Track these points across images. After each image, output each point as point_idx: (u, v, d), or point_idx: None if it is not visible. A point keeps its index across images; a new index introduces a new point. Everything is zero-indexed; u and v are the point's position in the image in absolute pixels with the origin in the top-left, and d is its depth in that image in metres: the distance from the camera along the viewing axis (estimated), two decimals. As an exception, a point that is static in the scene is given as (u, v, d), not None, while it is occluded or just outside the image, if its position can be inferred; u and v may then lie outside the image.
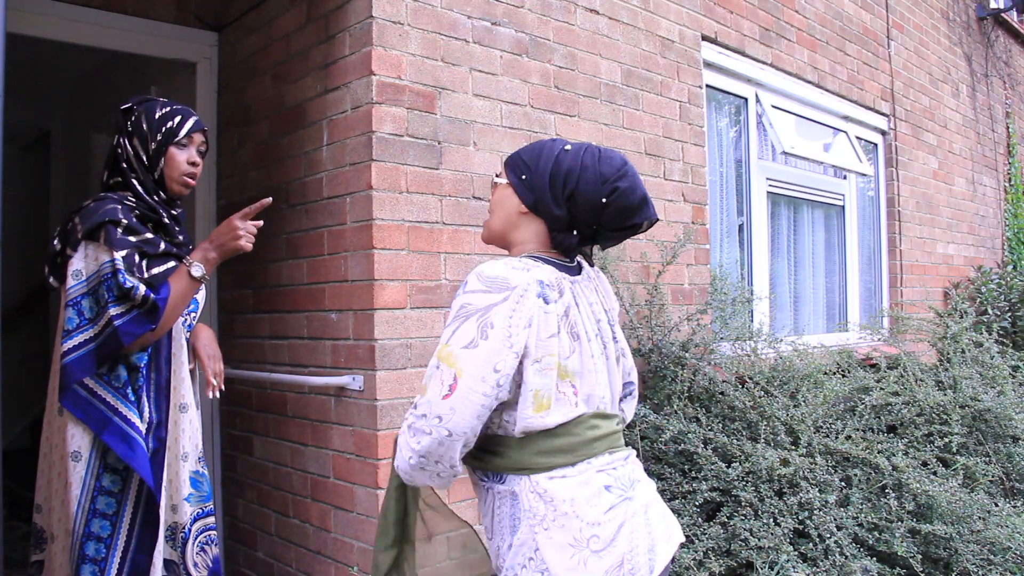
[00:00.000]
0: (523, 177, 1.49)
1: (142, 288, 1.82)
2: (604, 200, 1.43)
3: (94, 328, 1.82)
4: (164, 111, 2.01)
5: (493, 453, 1.42)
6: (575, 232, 1.47)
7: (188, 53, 3.13)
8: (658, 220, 1.54)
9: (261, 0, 2.90)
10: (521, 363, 1.35)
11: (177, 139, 2.00)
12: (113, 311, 1.80)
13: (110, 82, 4.09)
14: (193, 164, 2.03)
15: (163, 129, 1.99)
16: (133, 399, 1.88)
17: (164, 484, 1.94)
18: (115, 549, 1.87)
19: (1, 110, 1.51)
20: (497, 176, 1.57)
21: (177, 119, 2.01)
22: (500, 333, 1.32)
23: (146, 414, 1.90)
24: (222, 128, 3.16)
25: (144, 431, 1.87)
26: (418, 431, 1.32)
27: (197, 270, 1.94)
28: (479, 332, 1.32)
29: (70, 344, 1.82)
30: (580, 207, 1.44)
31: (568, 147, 1.48)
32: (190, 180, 2.04)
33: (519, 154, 1.53)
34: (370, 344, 2.37)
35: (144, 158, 2.00)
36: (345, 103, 2.48)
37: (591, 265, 1.58)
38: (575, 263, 1.53)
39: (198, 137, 2.05)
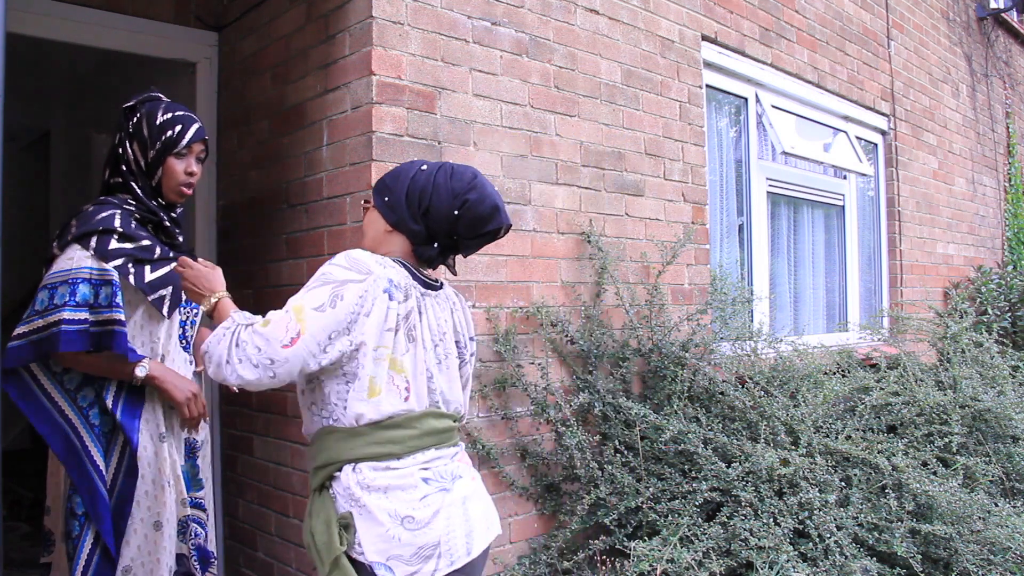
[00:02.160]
0: (386, 199, 1.67)
1: (116, 315, 1.83)
2: (456, 212, 1.61)
3: (40, 321, 1.83)
4: (165, 117, 2.00)
5: (327, 446, 1.57)
6: (435, 244, 1.65)
7: (188, 53, 3.13)
8: (511, 225, 1.70)
9: (261, 0, 2.90)
10: (359, 350, 1.52)
11: (176, 150, 1.99)
12: (67, 314, 1.80)
13: (110, 82, 4.09)
14: (190, 174, 2.03)
15: (163, 138, 1.98)
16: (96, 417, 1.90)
17: (170, 479, 1.95)
18: (80, 552, 1.87)
19: (1, 110, 1.51)
20: (365, 202, 1.75)
21: (177, 128, 2.00)
22: (346, 307, 1.49)
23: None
24: (222, 128, 3.16)
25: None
26: (247, 359, 1.46)
27: (141, 371, 1.89)
28: (330, 300, 1.49)
29: (18, 331, 1.85)
30: (435, 220, 1.62)
31: (424, 167, 1.67)
32: (186, 189, 2.04)
33: (383, 178, 1.71)
34: (370, 344, 2.36)
35: (143, 164, 2.00)
36: (345, 103, 2.49)
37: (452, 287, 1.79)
38: (437, 282, 1.71)
39: (197, 147, 2.05)
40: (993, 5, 6.37)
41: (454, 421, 1.70)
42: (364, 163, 2.40)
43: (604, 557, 2.56)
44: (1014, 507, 2.77)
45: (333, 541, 1.52)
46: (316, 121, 2.62)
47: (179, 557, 1.99)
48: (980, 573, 2.58)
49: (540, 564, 2.62)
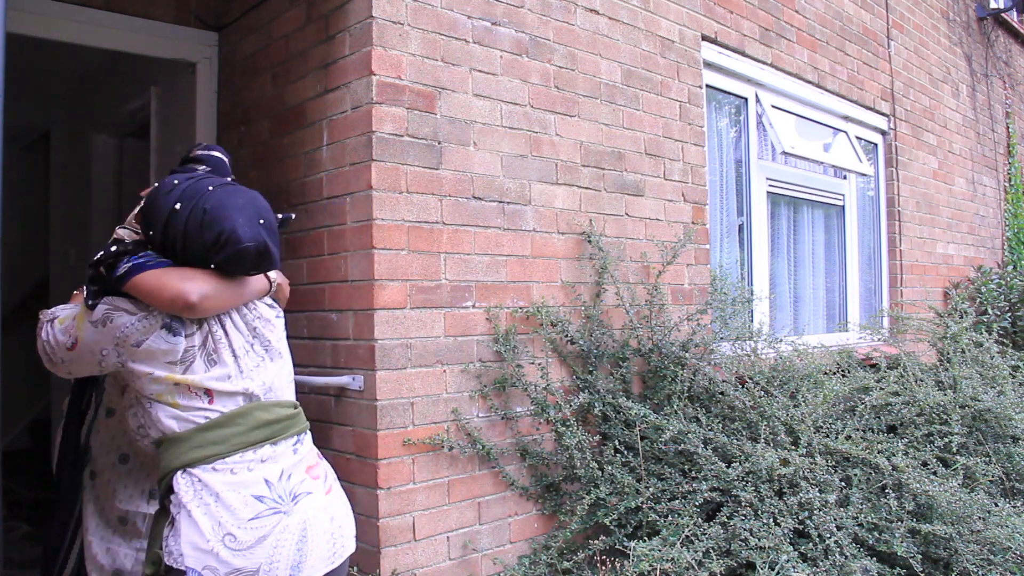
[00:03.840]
0: (151, 232, 1.70)
1: None
2: (213, 267, 1.66)
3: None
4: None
5: (160, 458, 1.65)
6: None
7: (188, 53, 3.13)
8: (279, 266, 1.84)
9: (261, 0, 2.90)
10: (142, 375, 1.63)
11: None
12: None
13: (110, 82, 4.09)
14: None
15: None
16: None
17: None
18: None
19: (1, 110, 1.51)
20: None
21: None
22: (113, 330, 1.62)
23: None
24: (222, 128, 3.16)
25: None
26: (53, 347, 1.68)
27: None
28: (105, 317, 1.62)
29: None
30: (197, 263, 1.67)
31: (177, 205, 1.66)
32: None
33: (142, 209, 1.76)
34: (370, 344, 2.37)
35: None
36: (345, 103, 2.49)
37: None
38: None
39: None
40: (993, 5, 6.37)
41: (286, 411, 1.74)
42: (364, 163, 2.40)
43: (604, 557, 2.56)
44: (1014, 507, 2.77)
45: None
46: (316, 121, 2.62)
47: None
48: (980, 573, 2.58)
49: (540, 564, 2.62)
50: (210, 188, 1.68)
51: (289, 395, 1.81)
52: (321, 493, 1.71)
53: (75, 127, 4.69)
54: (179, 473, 1.59)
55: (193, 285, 1.61)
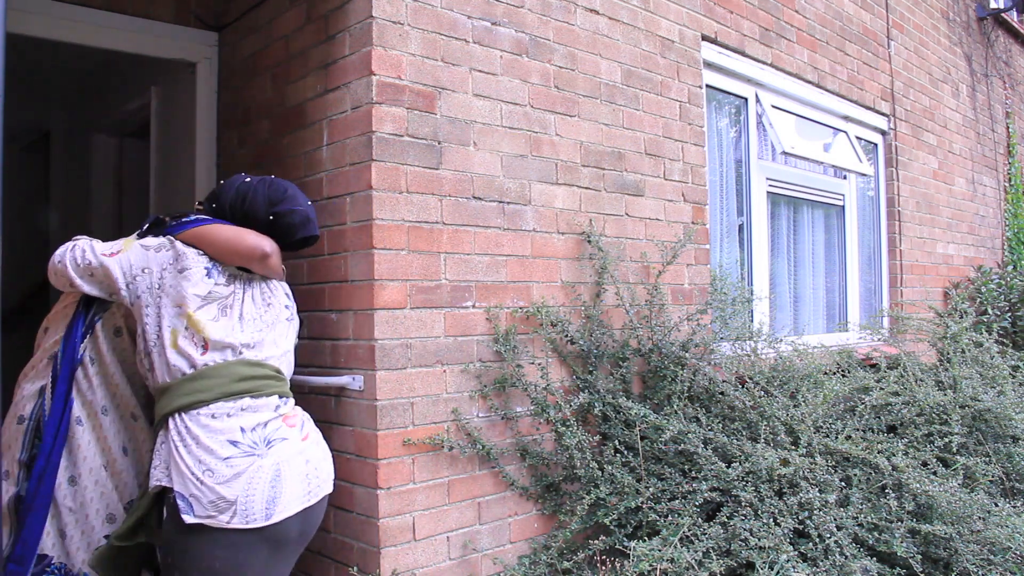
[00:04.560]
0: (213, 206, 2.09)
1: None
2: (271, 218, 2.02)
3: None
4: None
5: (156, 403, 1.92)
6: None
7: (188, 53, 3.13)
8: (318, 236, 2.16)
9: (261, 0, 2.90)
10: (164, 309, 1.91)
11: None
12: None
13: (110, 82, 4.09)
14: None
15: None
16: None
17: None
18: None
19: (1, 110, 1.51)
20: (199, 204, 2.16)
21: None
22: (166, 257, 1.95)
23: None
24: (222, 128, 3.16)
25: None
26: (84, 250, 1.96)
27: None
28: (160, 245, 1.97)
29: None
30: (252, 224, 2.03)
31: (248, 179, 2.09)
32: None
33: (214, 189, 2.14)
34: (370, 344, 2.37)
35: None
36: (345, 103, 2.49)
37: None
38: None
39: None
40: (993, 5, 6.37)
41: (269, 372, 1.98)
42: (364, 163, 2.40)
43: (604, 557, 2.56)
44: (1014, 507, 2.77)
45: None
46: (316, 121, 2.62)
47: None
48: (980, 573, 2.58)
49: (540, 564, 2.62)
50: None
51: (281, 368, 2.04)
52: (297, 439, 1.95)
53: (75, 127, 4.69)
54: (169, 418, 1.86)
55: (267, 241, 2.00)
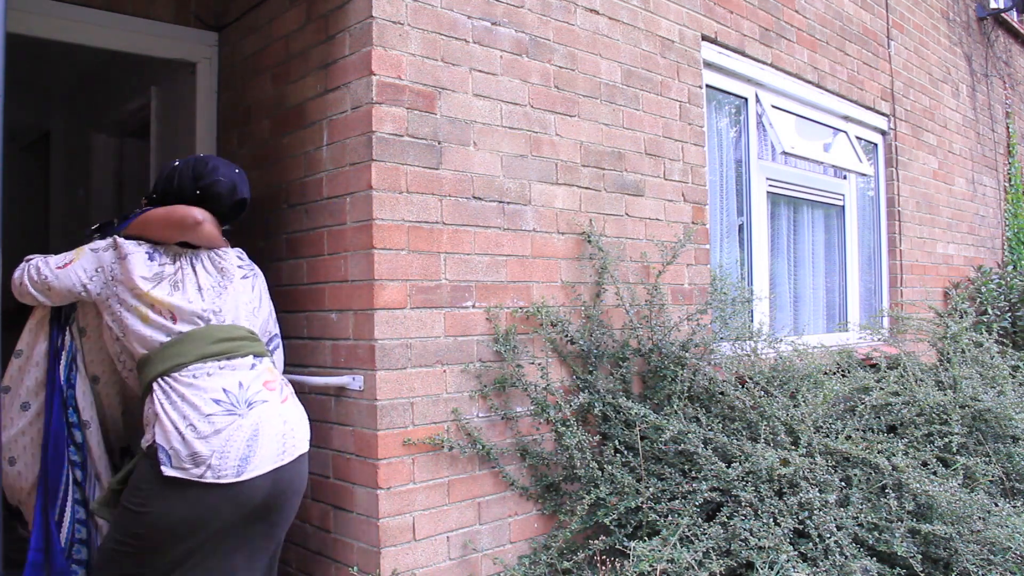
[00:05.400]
0: (154, 196, 2.22)
1: None
2: (198, 192, 2.14)
3: None
4: None
5: (139, 371, 2.03)
6: None
7: (188, 53, 3.13)
8: (248, 199, 2.25)
9: (261, 0, 2.90)
10: (122, 296, 2.04)
11: None
12: None
13: (110, 82, 4.09)
14: None
15: None
16: None
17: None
18: None
19: (1, 110, 1.51)
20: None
21: None
22: (111, 255, 2.09)
23: None
24: (222, 128, 3.16)
25: None
26: (39, 268, 2.09)
27: None
28: (108, 244, 2.10)
29: None
30: (184, 202, 2.14)
31: (176, 162, 2.21)
32: None
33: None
34: (370, 344, 2.37)
35: None
36: (345, 103, 2.49)
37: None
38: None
39: None
40: (993, 5, 6.37)
41: (242, 337, 2.10)
42: (364, 163, 2.40)
43: (604, 557, 2.56)
44: (1014, 507, 2.77)
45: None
46: (316, 121, 2.62)
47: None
48: (980, 573, 2.58)
49: (540, 564, 2.62)
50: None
51: (254, 328, 2.19)
52: (276, 402, 2.06)
53: (75, 127, 4.69)
54: (153, 382, 1.98)
55: (197, 210, 2.11)
